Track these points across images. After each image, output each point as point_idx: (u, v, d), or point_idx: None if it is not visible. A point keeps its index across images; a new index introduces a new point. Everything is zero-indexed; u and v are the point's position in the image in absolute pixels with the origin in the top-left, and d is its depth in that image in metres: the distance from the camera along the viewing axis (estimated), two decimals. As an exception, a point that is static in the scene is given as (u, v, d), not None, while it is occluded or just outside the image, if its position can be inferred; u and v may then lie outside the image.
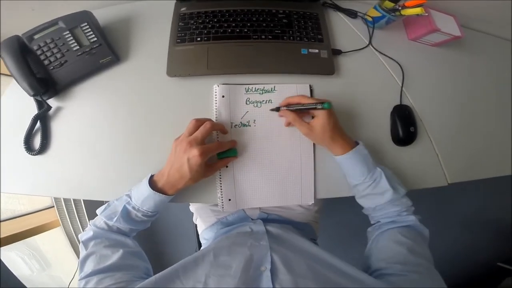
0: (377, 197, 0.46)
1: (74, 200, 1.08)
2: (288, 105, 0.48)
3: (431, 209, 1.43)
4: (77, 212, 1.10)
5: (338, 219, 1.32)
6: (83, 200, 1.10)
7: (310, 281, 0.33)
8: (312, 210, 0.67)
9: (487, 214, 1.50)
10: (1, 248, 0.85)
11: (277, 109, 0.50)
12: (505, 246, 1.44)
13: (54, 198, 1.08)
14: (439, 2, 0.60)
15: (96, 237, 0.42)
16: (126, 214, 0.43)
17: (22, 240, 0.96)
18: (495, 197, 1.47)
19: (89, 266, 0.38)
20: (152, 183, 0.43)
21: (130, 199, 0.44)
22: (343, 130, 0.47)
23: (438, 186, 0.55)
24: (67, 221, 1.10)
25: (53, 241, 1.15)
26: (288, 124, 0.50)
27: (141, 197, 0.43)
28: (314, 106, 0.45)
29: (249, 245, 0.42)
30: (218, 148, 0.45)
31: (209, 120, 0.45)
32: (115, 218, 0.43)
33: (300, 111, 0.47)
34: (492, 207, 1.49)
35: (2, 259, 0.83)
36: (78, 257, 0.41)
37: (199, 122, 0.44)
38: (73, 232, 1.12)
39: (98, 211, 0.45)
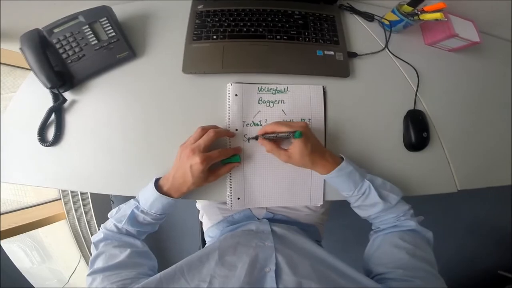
0: (369, 208, 0.47)
1: (81, 193, 1.10)
2: (265, 134, 0.47)
3: (433, 216, 1.42)
4: (83, 206, 1.11)
5: (343, 221, 1.31)
6: (90, 194, 1.11)
7: (314, 283, 0.33)
8: (319, 212, 0.67)
9: (488, 221, 1.48)
10: (6, 239, 0.86)
11: (256, 138, 0.48)
12: (506, 254, 1.43)
13: (61, 191, 1.09)
14: (458, 7, 0.59)
15: (106, 239, 0.44)
16: (133, 218, 0.45)
17: (26, 232, 0.97)
18: (497, 205, 1.46)
19: (98, 264, 0.40)
20: (158, 186, 0.45)
21: (138, 203, 0.45)
22: (323, 150, 0.47)
23: (447, 193, 0.54)
24: (73, 214, 1.11)
25: (57, 234, 1.16)
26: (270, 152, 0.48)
27: (149, 200, 0.44)
28: (286, 135, 0.44)
29: (254, 245, 0.42)
30: (220, 156, 0.45)
31: (214, 127, 0.46)
32: (123, 221, 0.44)
33: (278, 139, 0.47)
34: (494, 215, 1.48)
35: (5, 250, 0.84)
36: (81, 251, 0.43)
37: (205, 130, 0.45)
38: (78, 226, 1.13)
39: (109, 215, 0.47)
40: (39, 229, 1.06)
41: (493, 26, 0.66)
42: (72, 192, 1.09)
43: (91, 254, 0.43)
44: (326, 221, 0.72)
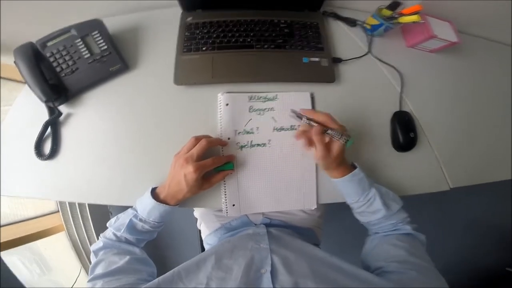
0: (371, 214, 0.48)
1: (79, 205, 1.10)
2: (310, 120, 0.45)
3: (435, 215, 1.42)
4: (81, 217, 1.11)
5: (341, 224, 1.32)
6: (88, 205, 1.11)
7: (310, 281, 0.34)
8: (315, 215, 0.68)
9: (492, 219, 1.49)
10: (6, 251, 0.86)
11: (298, 116, 0.47)
12: None
13: (59, 203, 1.09)
14: (436, 8, 0.61)
15: (106, 247, 0.46)
16: (132, 226, 0.46)
17: (25, 245, 0.96)
18: (499, 201, 1.46)
19: (98, 271, 0.41)
20: (154, 195, 0.46)
21: (136, 212, 0.46)
22: (344, 158, 0.48)
23: (440, 191, 0.55)
24: (71, 226, 1.11)
25: (56, 246, 1.16)
26: (300, 137, 0.46)
27: (147, 208, 0.45)
28: (338, 136, 0.42)
29: (250, 247, 0.43)
30: (213, 164, 0.46)
31: (206, 137, 0.47)
32: (122, 230, 0.45)
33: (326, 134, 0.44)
34: (498, 211, 1.48)
35: (5, 262, 0.84)
36: (81, 262, 0.43)
37: (197, 140, 0.46)
38: (77, 237, 1.13)
39: (108, 224, 0.48)
40: (39, 242, 1.05)
41: (471, 25, 0.67)
42: (70, 203, 1.09)
43: (91, 263, 0.44)
44: (323, 225, 0.73)
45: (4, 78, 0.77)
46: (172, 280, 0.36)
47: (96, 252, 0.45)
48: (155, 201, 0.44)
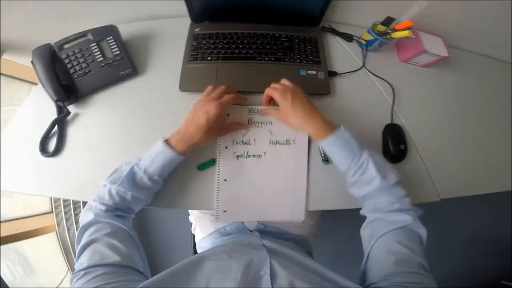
0: (365, 185, 0.44)
1: (74, 206, 1.09)
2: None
3: (431, 228, 1.40)
4: (75, 219, 1.10)
5: (337, 237, 1.31)
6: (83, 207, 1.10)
7: (307, 285, 0.34)
8: (308, 223, 0.68)
9: (488, 232, 1.49)
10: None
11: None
12: (508, 264, 1.42)
13: (54, 204, 1.09)
14: (428, 24, 0.64)
15: (97, 222, 0.40)
16: (131, 176, 0.44)
17: (9, 245, 0.94)
18: (496, 214, 1.47)
19: (85, 260, 0.36)
20: (166, 141, 0.45)
21: (139, 161, 0.45)
22: (313, 112, 0.47)
23: (438, 203, 0.56)
24: (63, 227, 1.10)
25: (43, 248, 1.13)
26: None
27: (152, 155, 0.45)
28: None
29: (248, 252, 0.42)
30: (233, 100, 0.49)
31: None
32: (118, 182, 0.43)
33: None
34: (493, 224, 1.48)
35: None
36: (68, 265, 0.39)
37: (215, 88, 0.50)
38: (68, 239, 1.12)
39: (104, 181, 0.44)
40: (24, 243, 1.03)
41: (461, 40, 0.71)
42: (64, 204, 1.09)
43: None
44: (316, 234, 0.73)
45: (11, 77, 0.79)
46: (170, 280, 0.35)
47: (85, 227, 0.39)
48: (165, 145, 0.44)
